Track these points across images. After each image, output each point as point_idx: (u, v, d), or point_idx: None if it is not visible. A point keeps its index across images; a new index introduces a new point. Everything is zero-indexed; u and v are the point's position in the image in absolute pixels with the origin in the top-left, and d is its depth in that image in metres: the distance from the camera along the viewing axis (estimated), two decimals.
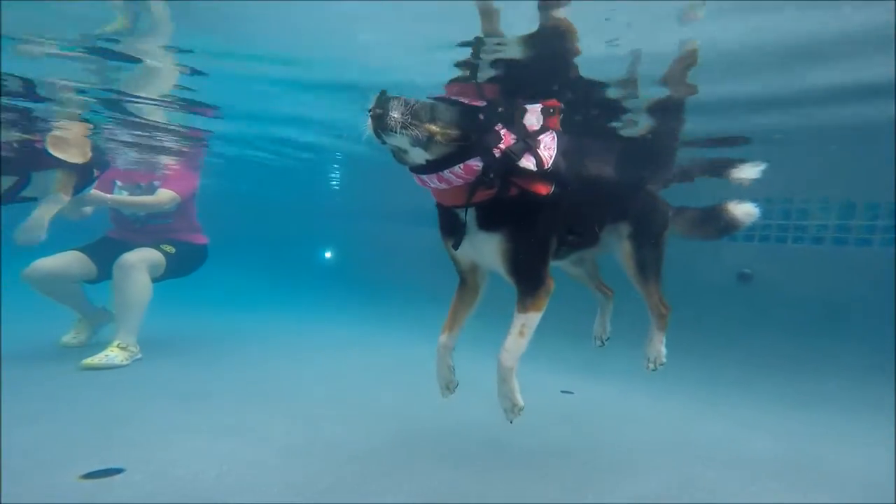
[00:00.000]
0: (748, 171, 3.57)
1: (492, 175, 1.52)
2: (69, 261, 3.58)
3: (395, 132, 1.42)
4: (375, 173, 6.13)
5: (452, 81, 2.29)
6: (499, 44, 1.92)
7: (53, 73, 2.74)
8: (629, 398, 3.37)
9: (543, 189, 1.59)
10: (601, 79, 2.22)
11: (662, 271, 2.19)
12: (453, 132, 1.50)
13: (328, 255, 11.12)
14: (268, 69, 2.60)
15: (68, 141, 3.88)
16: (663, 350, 2.25)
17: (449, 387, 1.91)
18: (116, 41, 2.24)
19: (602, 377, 3.74)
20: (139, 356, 3.47)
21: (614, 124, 2.85)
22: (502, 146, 1.55)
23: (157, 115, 3.62)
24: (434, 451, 2.33)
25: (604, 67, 2.10)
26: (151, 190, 3.86)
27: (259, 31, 2.10)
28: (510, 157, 1.53)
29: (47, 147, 3.64)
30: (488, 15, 1.73)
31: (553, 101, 1.70)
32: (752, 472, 2.29)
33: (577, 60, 2.03)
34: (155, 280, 3.61)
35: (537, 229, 1.66)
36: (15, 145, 3.79)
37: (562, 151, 1.68)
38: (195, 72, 2.67)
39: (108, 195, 3.75)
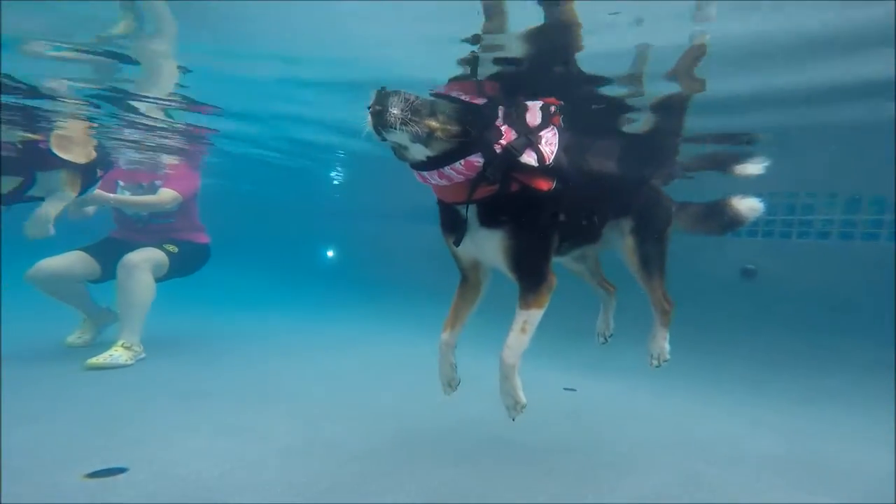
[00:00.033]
0: (751, 168, 3.55)
1: (493, 171, 1.51)
2: (73, 261, 3.59)
3: (395, 129, 1.41)
4: (376, 171, 6.12)
5: (453, 79, 2.28)
6: (500, 42, 1.91)
7: (57, 73, 2.74)
8: (632, 395, 3.35)
9: (545, 185, 1.58)
10: (605, 75, 2.20)
11: (666, 267, 2.18)
12: (454, 128, 1.49)
13: (330, 254, 11.13)
14: (268, 68, 2.60)
15: (72, 140, 3.89)
16: (667, 346, 2.23)
17: (451, 384, 1.90)
18: (120, 42, 2.24)
19: (605, 374, 3.72)
20: (143, 356, 3.48)
21: (617, 121, 2.83)
22: (503, 142, 1.53)
23: (159, 114, 3.62)
24: (435, 449, 2.33)
25: (608, 63, 2.08)
26: (153, 190, 3.86)
27: (259, 30, 2.10)
28: (511, 152, 1.52)
29: (51, 147, 3.65)
30: (493, 12, 1.72)
31: (553, 99, 1.69)
32: (756, 470, 2.28)
33: (581, 57, 2.01)
34: (158, 280, 3.62)
35: (539, 225, 1.65)
36: (19, 146, 3.81)
37: (563, 147, 1.67)
38: (196, 71, 2.67)
39: (111, 195, 3.76)
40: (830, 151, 3.60)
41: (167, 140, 4.41)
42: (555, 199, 1.63)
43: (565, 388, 3.40)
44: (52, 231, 3.37)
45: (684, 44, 1.90)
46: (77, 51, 2.37)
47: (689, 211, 2.32)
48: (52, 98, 3.12)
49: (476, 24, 1.80)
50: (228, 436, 2.36)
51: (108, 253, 3.68)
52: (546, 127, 1.65)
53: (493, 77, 2.23)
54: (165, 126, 3.95)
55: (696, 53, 1.99)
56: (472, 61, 2.09)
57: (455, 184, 1.56)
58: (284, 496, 1.86)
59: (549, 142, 1.62)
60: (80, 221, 3.71)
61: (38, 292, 3.54)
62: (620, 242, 2.13)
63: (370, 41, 2.11)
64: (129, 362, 3.36)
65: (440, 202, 1.71)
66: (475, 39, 1.91)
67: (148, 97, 3.14)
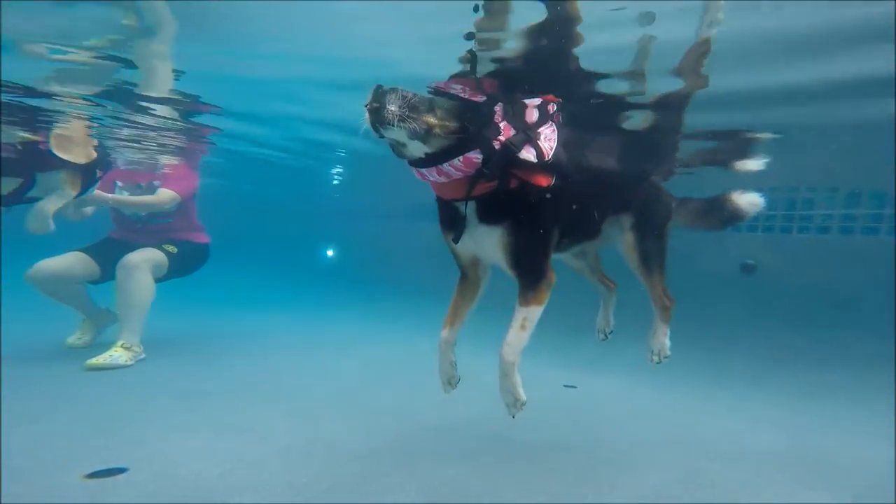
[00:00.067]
0: (751, 164, 3.55)
1: (492, 167, 1.50)
2: (72, 262, 3.59)
3: (393, 125, 1.41)
4: (375, 170, 6.11)
5: (453, 77, 2.27)
6: (499, 38, 1.90)
7: (55, 74, 2.73)
8: (633, 392, 3.35)
9: (544, 181, 1.57)
10: (607, 70, 2.19)
11: (666, 263, 2.17)
12: (452, 124, 1.48)
13: (330, 253, 11.13)
14: (268, 68, 2.60)
15: (72, 140, 3.88)
16: (667, 343, 2.23)
17: (451, 382, 1.90)
18: (119, 43, 2.23)
19: (605, 371, 3.72)
20: (143, 356, 3.48)
21: (617, 117, 2.82)
22: (502, 138, 1.52)
23: (159, 114, 3.61)
24: (436, 448, 2.32)
25: (609, 59, 2.07)
26: (152, 190, 3.86)
27: (259, 30, 2.09)
28: (510, 148, 1.51)
29: (51, 147, 3.64)
30: (496, 9, 1.70)
31: (551, 97, 1.68)
32: (756, 465, 2.28)
33: (582, 53, 2.00)
34: (158, 280, 3.61)
35: (538, 222, 1.64)
36: (19, 147, 3.80)
37: (563, 143, 1.66)
38: (196, 71, 2.66)
39: (109, 195, 3.75)
40: (830, 146, 3.59)
41: (167, 139, 4.40)
42: (554, 195, 1.62)
43: (566, 385, 3.40)
44: (52, 226, 3.36)
45: (689, 39, 1.89)
46: (77, 53, 2.36)
47: (688, 206, 2.31)
48: (50, 97, 3.11)
49: (474, 22, 1.79)
50: (228, 436, 2.35)
51: (108, 254, 3.67)
52: (545, 123, 1.64)
53: (491, 74, 2.22)
54: (165, 125, 3.94)
55: (702, 49, 1.98)
56: (471, 59, 2.08)
57: (454, 180, 1.56)
58: (284, 496, 1.86)
59: (549, 138, 1.61)
60: (79, 222, 3.70)
61: (37, 293, 3.53)
62: (620, 239, 2.12)
63: (370, 40, 2.11)
64: (129, 363, 3.36)
65: (439, 199, 1.71)
66: (473, 37, 1.90)
67: (150, 96, 3.12)
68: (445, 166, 1.51)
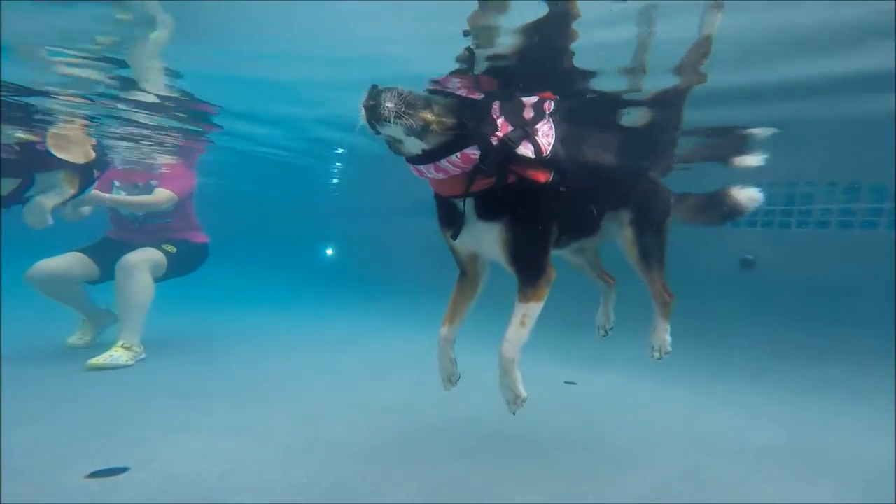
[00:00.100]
0: (750, 160, 3.54)
1: (489, 163, 1.49)
2: (71, 262, 3.58)
3: (389, 122, 1.40)
4: (375, 169, 6.10)
5: (451, 74, 2.26)
6: (495, 35, 1.89)
7: (53, 75, 2.72)
8: (633, 388, 3.35)
9: (542, 176, 1.57)
10: (605, 67, 2.18)
11: (665, 258, 2.17)
12: (449, 121, 1.48)
13: (329, 252, 11.13)
14: (267, 67, 2.59)
15: (70, 139, 3.87)
16: (668, 339, 2.23)
17: (451, 379, 1.89)
18: (116, 42, 2.22)
19: (605, 367, 3.72)
20: (143, 356, 3.48)
21: (616, 113, 2.81)
22: (499, 134, 1.52)
23: (157, 113, 3.60)
24: (436, 446, 2.32)
25: (607, 55, 2.06)
26: (149, 190, 3.85)
27: (258, 29, 2.08)
28: (508, 144, 1.50)
29: (49, 147, 3.63)
30: (493, 6, 1.70)
31: (548, 94, 1.67)
32: (757, 461, 2.28)
33: (581, 49, 1.99)
34: (157, 280, 3.61)
35: (537, 218, 1.64)
36: (17, 147, 3.79)
37: (560, 138, 1.65)
38: (196, 70, 2.66)
39: (107, 195, 3.74)
40: (830, 140, 3.58)
41: (164, 138, 4.39)
42: (553, 190, 1.61)
43: (566, 382, 3.40)
44: (49, 220, 3.35)
45: (687, 35, 1.88)
46: (74, 53, 2.35)
47: (687, 202, 2.31)
48: (47, 95, 3.09)
49: (468, 18, 1.78)
50: (229, 435, 2.35)
51: (106, 254, 3.66)
52: (542, 119, 1.63)
53: (488, 72, 2.21)
54: (163, 124, 3.93)
55: (703, 49, 1.97)
56: (469, 56, 2.07)
57: (452, 177, 1.55)
58: (285, 496, 1.86)
59: (546, 134, 1.60)
60: (76, 221, 3.69)
61: (37, 293, 3.53)
62: (619, 234, 2.11)
63: (370, 39, 2.10)
64: (130, 363, 3.36)
65: (437, 196, 1.70)
66: (469, 34, 1.89)
67: (147, 91, 3.11)
68: (443, 163, 1.51)
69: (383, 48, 2.17)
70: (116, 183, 3.96)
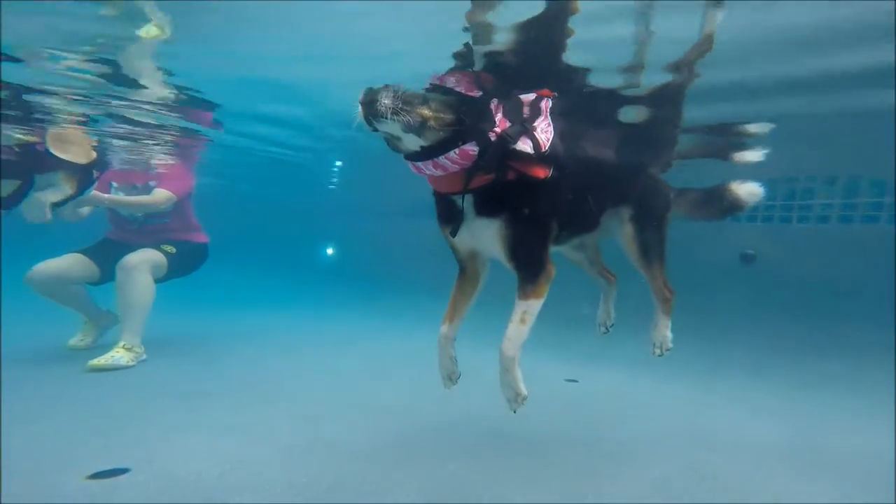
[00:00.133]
0: (751, 155, 3.53)
1: (488, 159, 1.48)
2: (70, 263, 3.57)
3: (386, 118, 1.39)
4: (374, 169, 6.09)
5: (450, 71, 2.25)
6: (492, 32, 1.88)
7: (50, 76, 2.72)
8: (633, 385, 3.35)
9: (542, 172, 1.56)
10: (600, 65, 2.17)
11: (666, 254, 2.16)
12: (447, 117, 1.47)
13: (329, 251, 11.12)
14: (266, 67, 2.58)
15: (69, 138, 3.86)
16: (669, 335, 2.22)
17: (451, 378, 1.89)
18: (112, 43, 2.21)
19: (606, 364, 3.72)
20: (144, 357, 3.48)
21: (614, 110, 2.80)
22: (497, 130, 1.51)
23: (156, 113, 3.59)
24: (436, 445, 2.32)
25: (605, 52, 2.05)
26: (147, 190, 3.84)
27: (256, 29, 2.07)
28: (506, 140, 1.49)
29: (48, 146, 3.63)
30: (481, 7, 1.69)
31: (546, 91, 1.66)
32: (757, 457, 2.27)
33: (578, 47, 1.98)
34: (158, 280, 3.61)
35: (536, 214, 1.63)
36: (16, 149, 3.79)
37: (559, 134, 1.64)
38: (195, 70, 2.65)
39: (106, 195, 3.73)
40: (830, 135, 3.57)
41: (165, 136, 4.38)
42: (552, 186, 1.60)
43: (567, 380, 3.39)
44: (48, 215, 3.35)
45: (683, 32, 1.87)
46: (71, 54, 2.35)
47: (687, 197, 2.30)
48: (45, 94, 3.08)
49: (470, 15, 1.77)
50: (228, 436, 2.35)
51: (106, 254, 3.66)
52: (540, 116, 1.62)
53: (486, 69, 2.20)
54: (163, 124, 3.92)
55: (704, 47, 1.96)
56: (467, 53, 2.06)
57: (450, 174, 1.54)
58: (285, 496, 1.85)
59: (545, 130, 1.59)
60: (74, 222, 3.68)
61: (37, 295, 3.52)
62: (619, 230, 2.10)
63: (370, 39, 2.10)
64: (131, 364, 3.35)
65: (436, 193, 1.69)
66: (467, 30, 1.89)
67: (145, 89, 3.10)
68: (441, 159, 1.50)
69: (383, 46, 2.16)
70: (114, 184, 3.95)
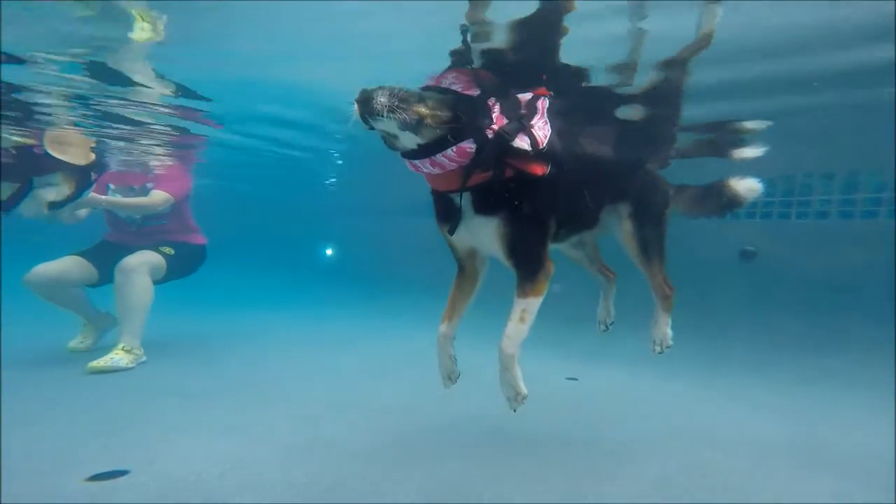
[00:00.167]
0: (749, 152, 3.52)
1: (486, 157, 1.48)
2: (69, 265, 3.57)
3: (382, 116, 1.39)
4: (373, 168, 6.08)
5: (449, 70, 2.24)
6: (487, 31, 1.88)
7: (46, 77, 2.71)
8: (634, 382, 3.34)
9: (539, 170, 1.55)
10: (596, 63, 2.16)
11: (665, 251, 2.15)
12: (444, 114, 1.46)
13: (329, 252, 11.11)
14: (266, 67, 2.57)
15: (67, 140, 3.86)
16: (669, 332, 2.21)
17: (451, 377, 1.88)
18: (107, 44, 2.20)
19: (606, 362, 3.71)
20: (144, 359, 3.47)
21: (611, 107, 2.79)
22: (495, 127, 1.50)
23: (153, 115, 3.58)
24: (437, 444, 2.31)
25: (601, 50, 2.04)
26: (144, 192, 3.84)
27: (255, 29, 2.07)
28: (504, 137, 1.49)
29: (46, 148, 3.62)
30: (480, 5, 1.68)
31: (543, 90, 1.65)
32: (758, 453, 2.27)
33: (577, 44, 1.97)
34: (157, 282, 3.60)
35: (535, 211, 1.62)
36: (14, 151, 3.78)
37: (557, 131, 1.63)
38: (195, 70, 2.64)
39: (103, 197, 3.73)
40: (829, 130, 3.56)
41: (163, 136, 4.37)
42: (550, 184, 1.59)
43: (567, 378, 3.39)
44: (45, 211, 3.35)
45: (680, 30, 1.87)
46: (65, 59, 2.34)
47: (686, 193, 2.29)
48: (38, 91, 3.07)
49: (470, 14, 1.77)
50: (229, 436, 2.34)
51: (104, 256, 3.66)
52: (536, 115, 1.61)
53: (483, 67, 2.19)
54: (161, 124, 3.91)
55: (701, 45, 1.95)
56: (465, 51, 2.05)
57: (448, 172, 1.53)
58: (285, 496, 1.85)
59: (542, 127, 1.59)
60: (71, 224, 3.68)
61: (37, 297, 3.52)
62: (618, 227, 2.10)
63: (370, 38, 2.09)
64: (131, 365, 3.35)
65: (434, 191, 1.68)
66: (466, 28, 1.88)
67: (144, 89, 3.09)
68: (439, 157, 1.49)
69: (383, 45, 2.16)
70: (111, 186, 3.95)
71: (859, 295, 4.16)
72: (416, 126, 1.44)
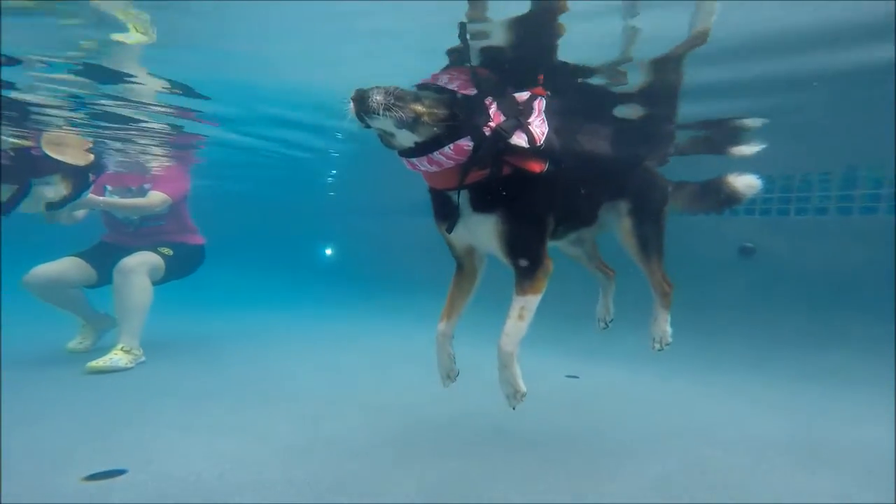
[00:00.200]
0: (748, 149, 3.51)
1: (483, 154, 1.47)
2: (67, 266, 3.58)
3: (378, 114, 1.38)
4: (372, 168, 6.08)
5: (445, 69, 2.24)
6: (486, 29, 1.87)
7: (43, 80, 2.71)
8: (633, 380, 3.34)
9: (537, 167, 1.54)
10: (591, 61, 2.15)
11: (664, 248, 2.15)
12: (440, 112, 1.46)
13: (329, 252, 11.11)
14: (264, 67, 2.56)
15: (65, 141, 3.85)
16: (669, 329, 2.21)
17: (450, 375, 1.88)
18: (103, 46, 2.20)
19: (606, 360, 3.71)
20: (143, 359, 3.47)
21: (609, 105, 2.78)
22: (492, 124, 1.49)
23: (151, 115, 3.58)
24: (436, 443, 2.31)
25: (596, 49, 2.04)
26: (142, 193, 3.83)
27: (255, 29, 2.06)
28: (501, 134, 1.48)
29: (44, 149, 3.62)
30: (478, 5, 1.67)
31: (540, 90, 1.65)
32: (758, 451, 2.27)
33: (574, 43, 1.97)
34: (156, 283, 3.61)
35: (533, 208, 1.62)
36: (11, 153, 3.78)
37: (555, 129, 1.63)
38: (195, 70, 2.63)
39: (101, 198, 3.73)
40: (828, 126, 3.56)
41: (162, 137, 4.36)
42: (548, 181, 1.59)
43: (568, 376, 3.39)
44: (43, 206, 3.35)
45: (676, 29, 1.86)
46: (65, 55, 2.34)
47: (685, 190, 2.29)
48: (35, 92, 3.07)
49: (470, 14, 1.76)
50: (228, 435, 2.34)
51: (103, 257, 3.66)
52: (533, 114, 1.61)
53: (482, 64, 2.19)
54: (159, 124, 3.90)
55: (695, 42, 1.94)
56: (464, 49, 2.05)
57: (445, 169, 1.53)
58: (285, 495, 1.85)
59: (539, 125, 1.58)
60: (69, 225, 3.68)
61: (36, 298, 3.52)
62: (617, 224, 2.09)
63: (370, 37, 2.08)
64: (130, 366, 3.35)
65: (431, 190, 1.68)
66: (465, 27, 1.87)
67: (143, 87, 3.08)
68: (436, 155, 1.48)
69: (383, 46, 2.15)
70: (109, 187, 3.95)
71: (859, 291, 4.15)
72: (413, 124, 1.43)
